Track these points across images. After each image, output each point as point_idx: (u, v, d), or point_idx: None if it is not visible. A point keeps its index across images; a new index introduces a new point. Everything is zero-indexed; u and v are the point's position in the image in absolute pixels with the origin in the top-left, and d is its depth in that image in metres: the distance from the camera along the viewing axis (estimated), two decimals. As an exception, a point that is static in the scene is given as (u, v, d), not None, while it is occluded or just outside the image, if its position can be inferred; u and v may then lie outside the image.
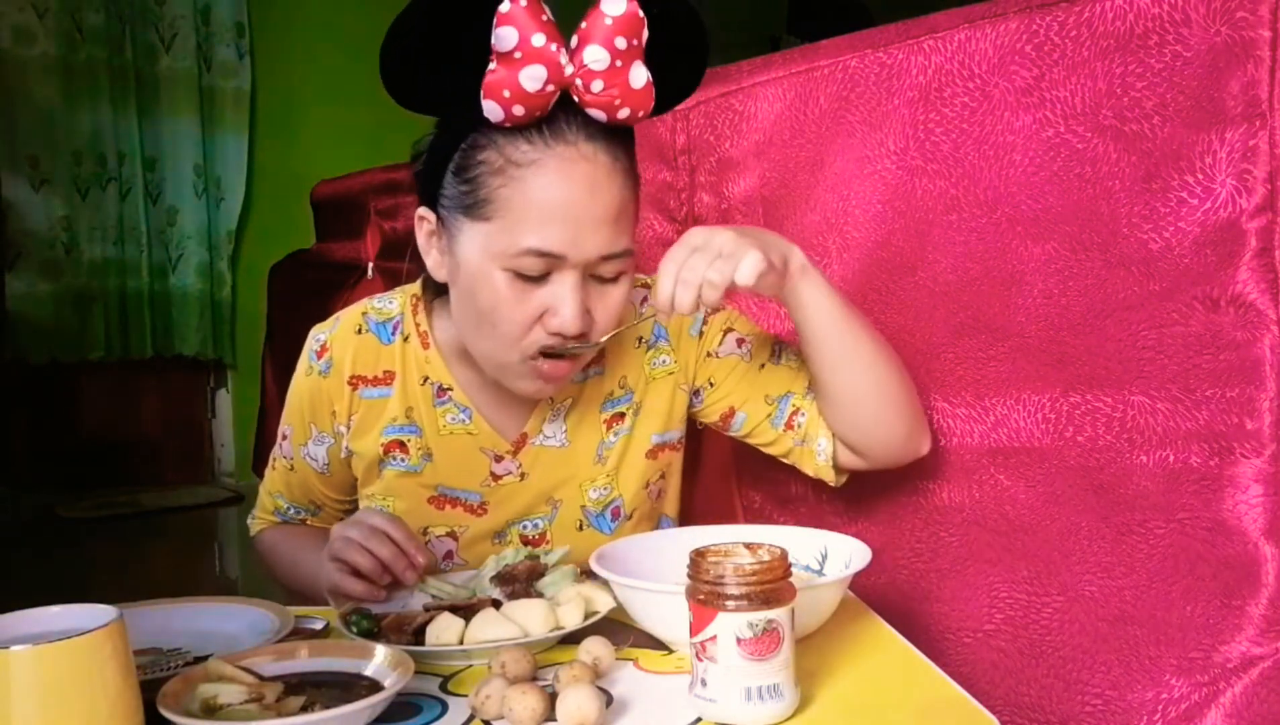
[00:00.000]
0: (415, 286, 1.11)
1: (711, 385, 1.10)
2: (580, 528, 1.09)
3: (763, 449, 1.11)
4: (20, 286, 3.52)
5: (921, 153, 1.05)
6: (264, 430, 3.05)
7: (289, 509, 1.18)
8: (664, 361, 1.10)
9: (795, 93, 1.18)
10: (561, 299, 0.92)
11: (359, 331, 1.09)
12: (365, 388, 1.08)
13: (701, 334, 1.10)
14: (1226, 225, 0.84)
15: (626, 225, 0.94)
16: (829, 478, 1.06)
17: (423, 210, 1.00)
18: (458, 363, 1.07)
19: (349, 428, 1.09)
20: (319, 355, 1.09)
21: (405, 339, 1.08)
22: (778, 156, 1.20)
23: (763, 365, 1.08)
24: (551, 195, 0.89)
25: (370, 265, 2.34)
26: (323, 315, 1.15)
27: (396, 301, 1.11)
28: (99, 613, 0.62)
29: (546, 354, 0.95)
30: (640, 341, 1.11)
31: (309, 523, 1.19)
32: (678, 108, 1.29)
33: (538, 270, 0.91)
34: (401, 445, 1.07)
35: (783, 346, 1.10)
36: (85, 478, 3.72)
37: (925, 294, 1.07)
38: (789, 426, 1.07)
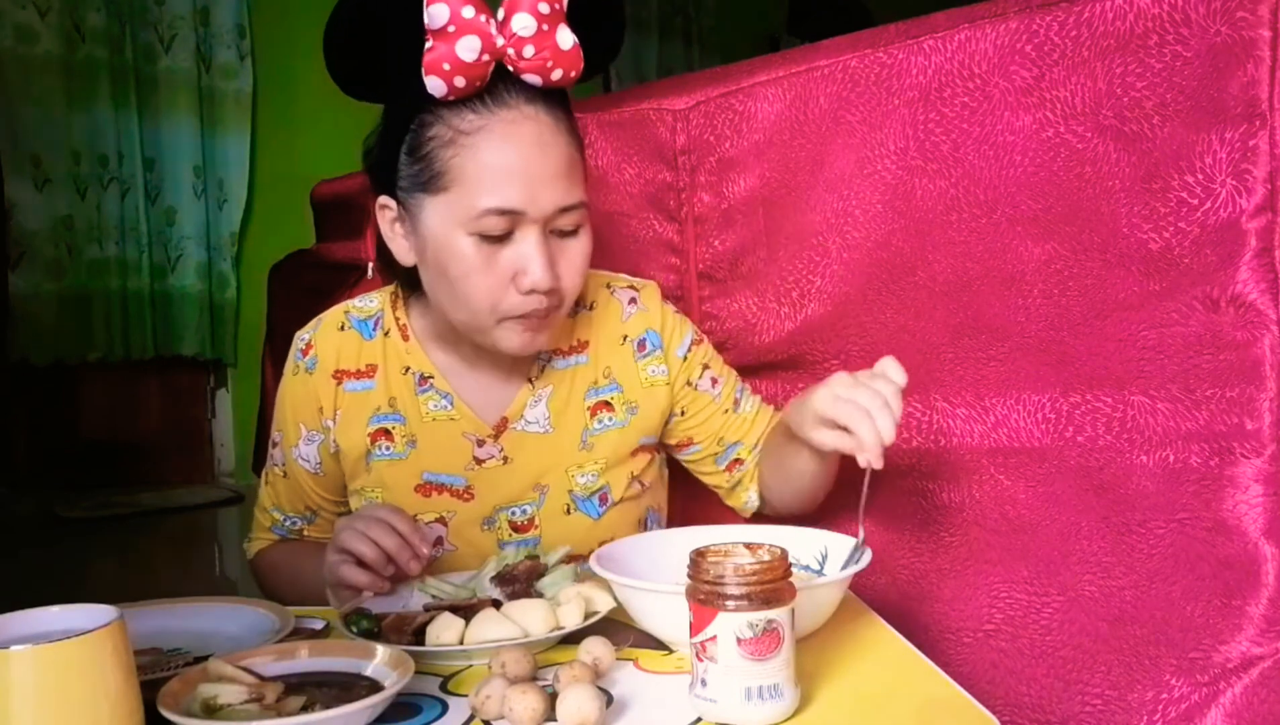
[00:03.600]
0: (393, 286, 1.14)
1: (683, 413, 1.17)
2: (568, 512, 1.11)
3: (697, 474, 1.21)
4: (24, 287, 3.52)
5: (921, 153, 1.05)
6: (264, 430, 3.04)
7: (285, 520, 1.18)
8: (661, 370, 1.14)
9: (795, 93, 1.18)
10: (528, 257, 0.95)
11: (341, 328, 1.13)
12: (349, 381, 1.11)
13: (685, 359, 1.16)
14: (1226, 225, 0.84)
15: (577, 179, 0.99)
16: (744, 514, 1.19)
17: (383, 199, 1.03)
18: (438, 351, 1.11)
19: (335, 422, 1.11)
20: (304, 353, 1.13)
21: (386, 333, 1.12)
22: (778, 156, 1.20)
23: (726, 410, 1.17)
24: (503, 156, 0.94)
25: (370, 265, 2.33)
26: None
27: (376, 300, 1.15)
28: (99, 613, 0.62)
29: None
30: (625, 339, 1.14)
31: (306, 532, 1.19)
32: (678, 108, 1.29)
33: (500, 229, 0.95)
34: (387, 433, 1.10)
35: (742, 393, 1.19)
36: (85, 478, 3.71)
37: (925, 294, 1.07)
38: (729, 468, 1.19)
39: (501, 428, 1.11)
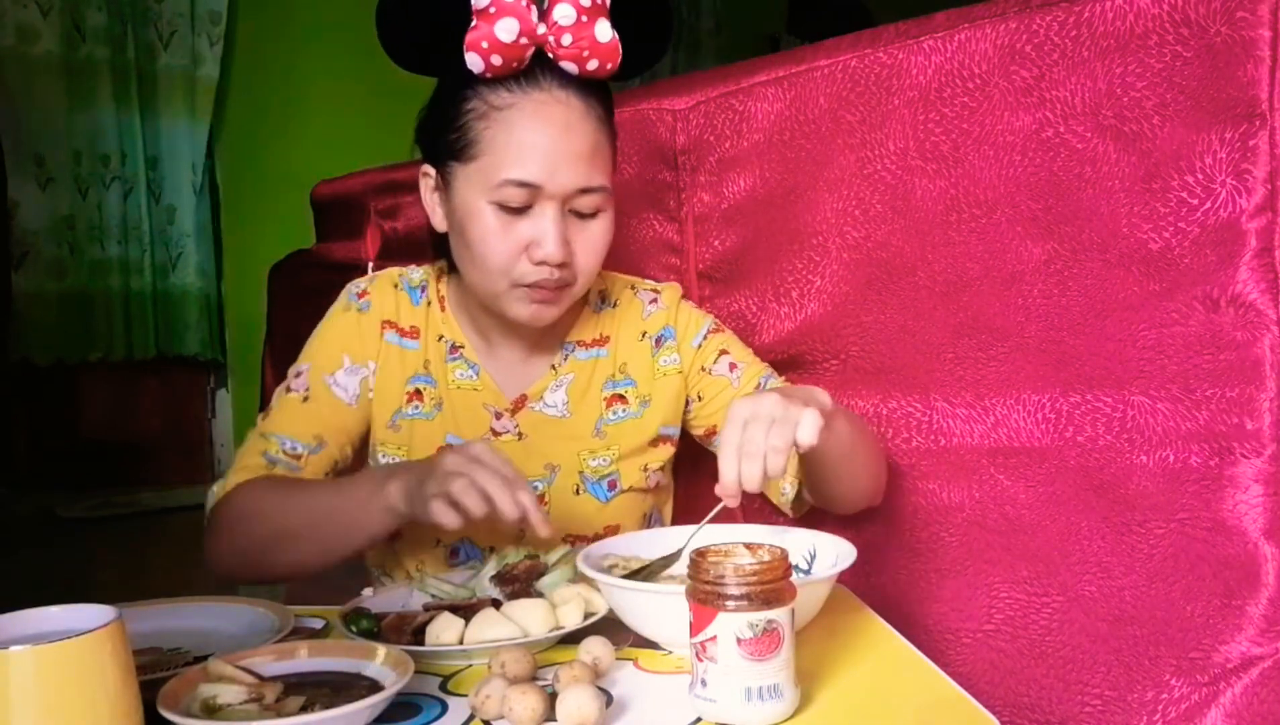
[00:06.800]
0: (440, 263, 1.19)
1: (700, 399, 1.18)
2: (577, 492, 1.13)
3: None
4: (27, 286, 3.52)
5: (921, 153, 1.05)
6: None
7: (285, 444, 1.10)
8: (674, 360, 1.17)
9: (795, 93, 1.18)
10: (543, 230, 1.00)
11: (395, 287, 1.18)
12: (394, 334, 1.15)
13: (699, 348, 1.18)
14: (1226, 225, 0.84)
15: (601, 165, 1.03)
16: (787, 512, 1.15)
17: (425, 166, 1.09)
18: (469, 325, 1.16)
19: (377, 366, 1.14)
20: (359, 297, 1.16)
21: (428, 303, 1.17)
22: (778, 156, 1.20)
23: (748, 396, 1.12)
24: (529, 133, 0.99)
25: (370, 265, 2.34)
26: (323, 315, 1.17)
27: (421, 271, 1.20)
28: (99, 613, 0.62)
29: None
30: (644, 336, 1.18)
31: (304, 462, 1.10)
32: (678, 108, 1.29)
33: (519, 201, 1.00)
34: (419, 393, 1.14)
35: (768, 379, 1.16)
36: (85, 478, 3.71)
37: (925, 294, 1.07)
38: None
39: (520, 404, 1.14)
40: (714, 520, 0.91)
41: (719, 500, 0.85)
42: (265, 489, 1.07)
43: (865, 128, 1.11)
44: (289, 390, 1.13)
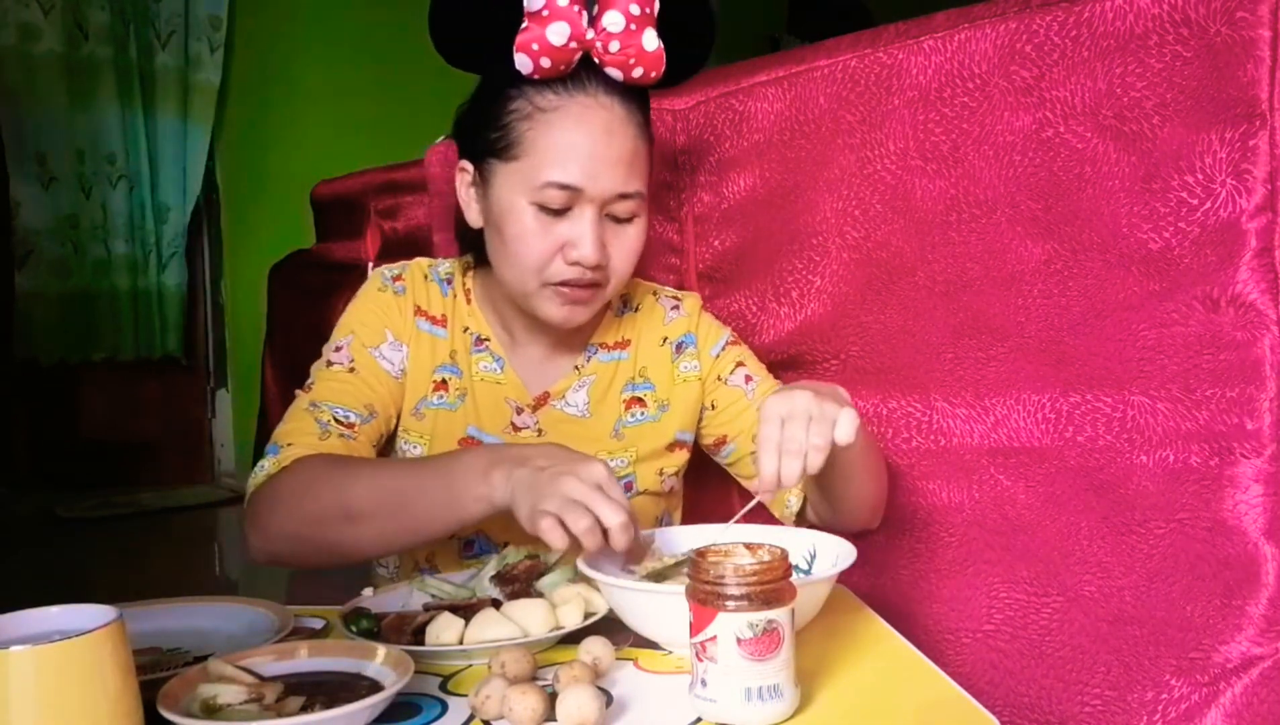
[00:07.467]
0: (466, 257, 1.20)
1: (713, 408, 1.19)
2: None
3: (739, 479, 1.21)
4: (30, 286, 3.52)
5: (921, 153, 1.05)
6: (264, 430, 3.05)
7: (338, 412, 1.07)
8: (694, 367, 1.19)
9: (795, 93, 1.18)
10: (580, 233, 1.02)
11: (425, 278, 1.18)
12: (425, 321, 1.15)
13: (717, 357, 1.19)
14: (1226, 225, 0.84)
15: (639, 170, 1.04)
16: (788, 523, 1.15)
17: (463, 162, 1.10)
18: (495, 320, 1.17)
19: (409, 350, 1.14)
20: (394, 280, 1.16)
21: (455, 295, 1.18)
22: (777, 156, 1.20)
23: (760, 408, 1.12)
24: (572, 136, 1.01)
25: (370, 265, 2.35)
26: (323, 315, 1.17)
27: (448, 264, 1.21)
28: (99, 613, 0.62)
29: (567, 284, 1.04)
30: (665, 341, 1.19)
31: (359, 430, 1.07)
32: (678, 108, 1.29)
33: (559, 203, 1.01)
34: (444, 384, 1.14)
35: None
36: (85, 478, 3.72)
37: (925, 294, 1.07)
38: None
39: (542, 401, 1.15)
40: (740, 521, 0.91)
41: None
42: (332, 461, 1.02)
43: (865, 128, 1.11)
44: (329, 364, 1.10)
